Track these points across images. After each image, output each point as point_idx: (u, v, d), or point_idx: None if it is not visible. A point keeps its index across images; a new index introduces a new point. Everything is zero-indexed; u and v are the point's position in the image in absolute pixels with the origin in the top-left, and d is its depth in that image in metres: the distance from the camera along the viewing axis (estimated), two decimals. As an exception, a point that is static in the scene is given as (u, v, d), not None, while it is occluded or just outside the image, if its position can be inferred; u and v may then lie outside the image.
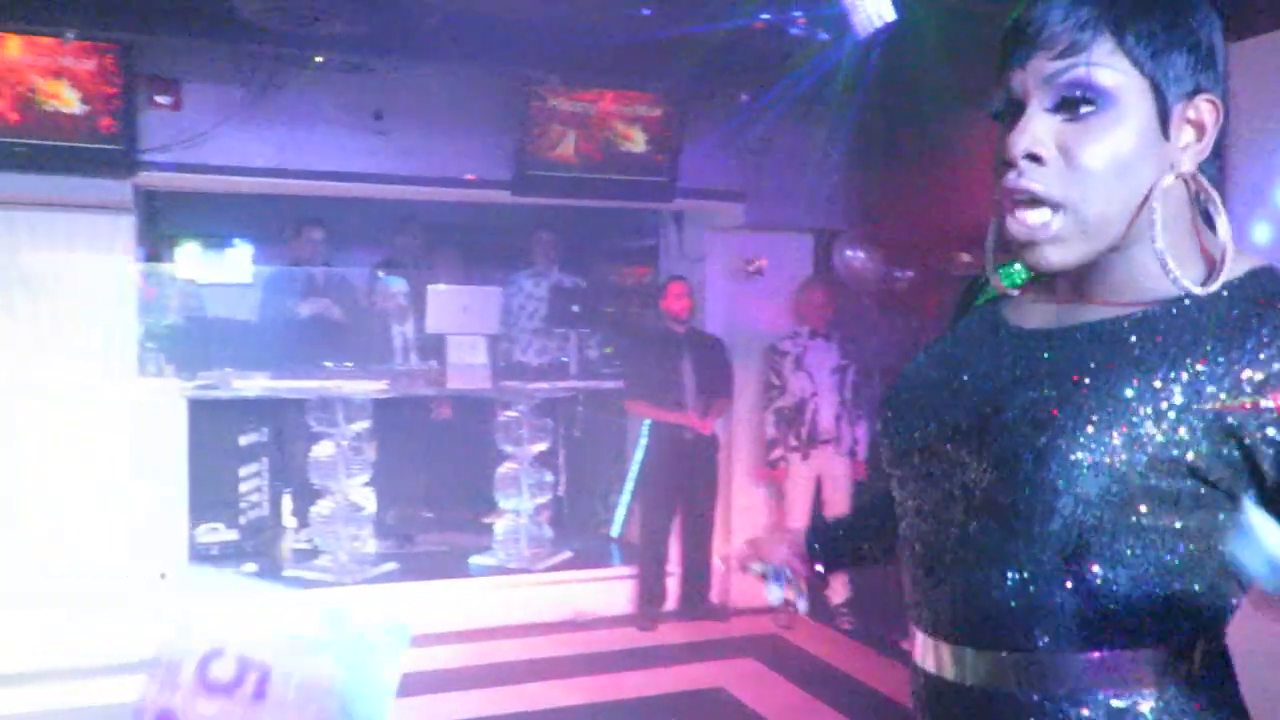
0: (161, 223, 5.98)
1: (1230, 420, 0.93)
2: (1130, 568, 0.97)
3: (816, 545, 1.51)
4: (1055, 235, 0.96)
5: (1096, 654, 0.98)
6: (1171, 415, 0.94)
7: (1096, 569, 0.97)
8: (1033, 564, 0.99)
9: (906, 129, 5.33)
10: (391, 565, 5.59)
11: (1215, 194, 1.00)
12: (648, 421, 5.52)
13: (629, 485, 6.12)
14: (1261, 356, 0.92)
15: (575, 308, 6.07)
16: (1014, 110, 0.97)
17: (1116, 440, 0.94)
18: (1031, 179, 0.96)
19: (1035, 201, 0.96)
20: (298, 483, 6.06)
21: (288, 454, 6.01)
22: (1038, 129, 0.96)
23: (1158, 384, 0.95)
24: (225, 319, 6.14)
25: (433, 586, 5.35)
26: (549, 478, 5.85)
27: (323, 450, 5.53)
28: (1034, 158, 0.96)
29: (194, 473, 5.16)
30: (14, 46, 4.21)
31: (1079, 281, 1.05)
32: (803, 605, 1.52)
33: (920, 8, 3.97)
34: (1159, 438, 0.94)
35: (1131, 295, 1.02)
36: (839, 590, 5.40)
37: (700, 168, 5.47)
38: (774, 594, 1.50)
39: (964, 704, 1.06)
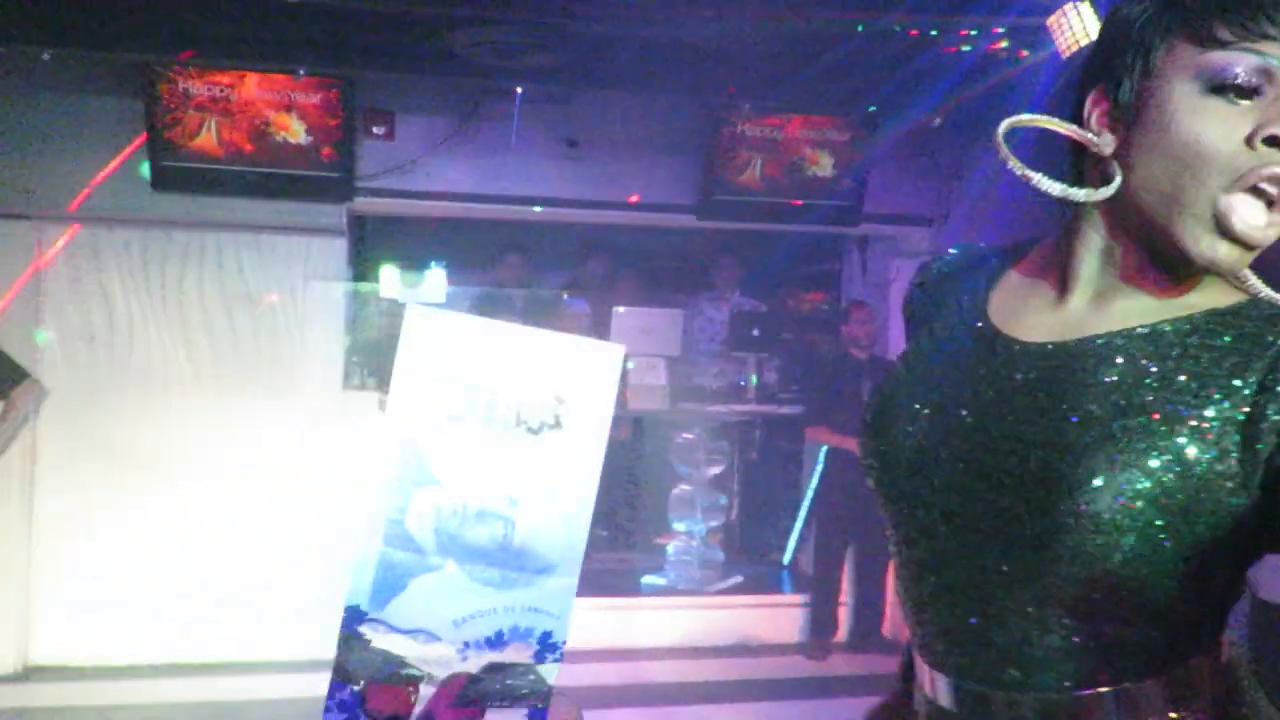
0: (370, 247, 6.38)
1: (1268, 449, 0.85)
2: (1141, 597, 0.90)
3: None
4: (1267, 242, 0.89)
5: (1108, 689, 0.92)
6: (1227, 435, 0.86)
7: (1110, 602, 0.90)
8: (1047, 601, 0.92)
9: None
10: (568, 580, 5.72)
11: None
12: (825, 448, 5.47)
13: (803, 512, 6.08)
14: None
15: (755, 331, 6.10)
16: (1265, 84, 0.86)
17: (1159, 466, 0.86)
18: None
19: (1275, 201, 0.87)
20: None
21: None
22: None
23: (1208, 408, 0.87)
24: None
25: (604, 603, 5.45)
26: (723, 501, 5.88)
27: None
28: None
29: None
30: (251, 84, 4.61)
31: (1123, 285, 0.96)
32: None
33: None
34: (1200, 468, 0.86)
35: (1175, 305, 0.94)
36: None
37: (888, 192, 5.41)
38: None
39: None
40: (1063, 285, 1.00)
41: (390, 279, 6.58)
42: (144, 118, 4.58)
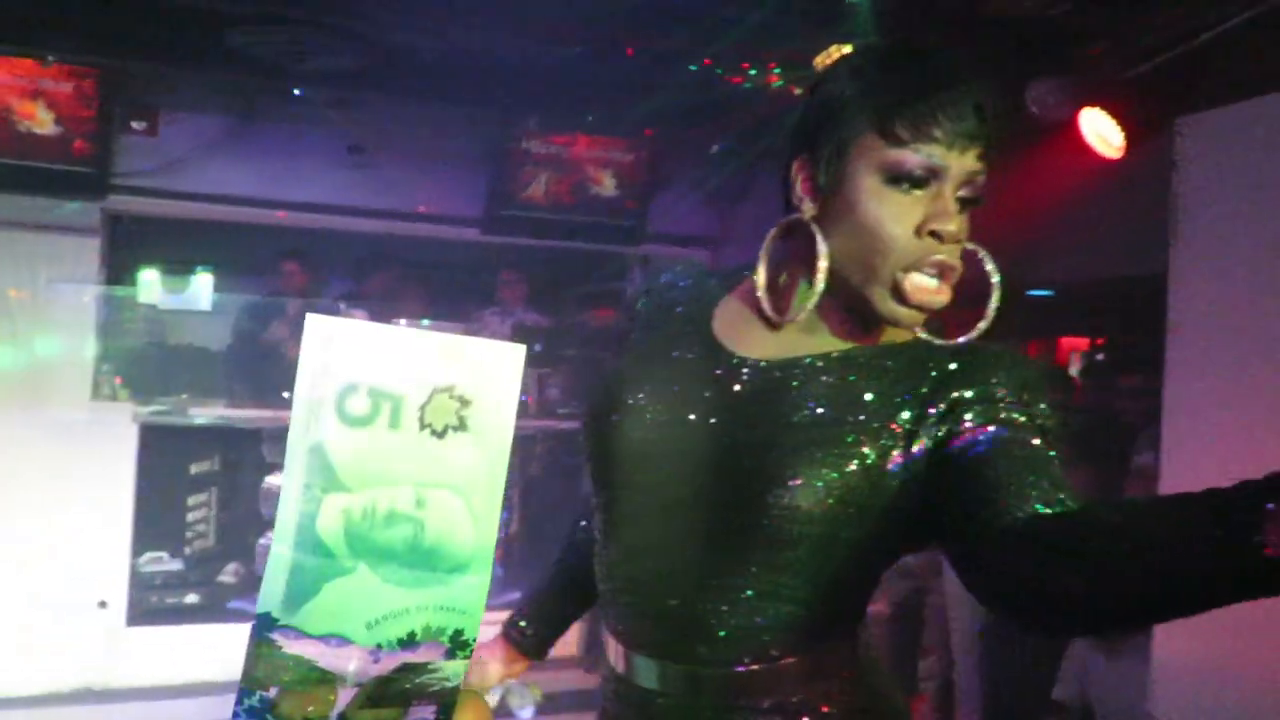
0: (126, 248, 5.93)
1: (937, 445, 1.04)
2: (817, 581, 1.07)
3: (530, 631, 1.48)
4: (940, 305, 1.07)
5: (769, 664, 1.08)
6: (898, 443, 1.05)
7: (793, 586, 1.07)
8: (743, 584, 1.07)
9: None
10: (341, 600, 5.52)
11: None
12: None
13: (584, 527, 6.12)
14: (951, 391, 1.05)
15: (538, 347, 6.12)
16: (930, 178, 1.05)
17: (849, 468, 1.04)
18: (952, 257, 1.06)
19: (947, 273, 1.06)
20: (243, 515, 5.98)
21: (236, 485, 5.93)
22: (955, 206, 1.06)
23: (884, 420, 1.06)
24: (185, 346, 6.08)
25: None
26: (504, 515, 5.84)
27: (274, 481, 5.48)
28: (957, 238, 1.06)
29: (141, 500, 5.08)
30: (-9, 66, 4.20)
31: (826, 316, 1.14)
32: (529, 714, 1.48)
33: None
34: (876, 471, 1.05)
35: (865, 336, 1.14)
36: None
37: (670, 213, 5.58)
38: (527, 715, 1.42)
39: (656, 712, 1.13)
40: (779, 312, 1.16)
41: (149, 283, 6.15)
42: None
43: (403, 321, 5.61)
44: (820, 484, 1.03)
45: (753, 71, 4.21)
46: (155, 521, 5.48)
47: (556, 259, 6.56)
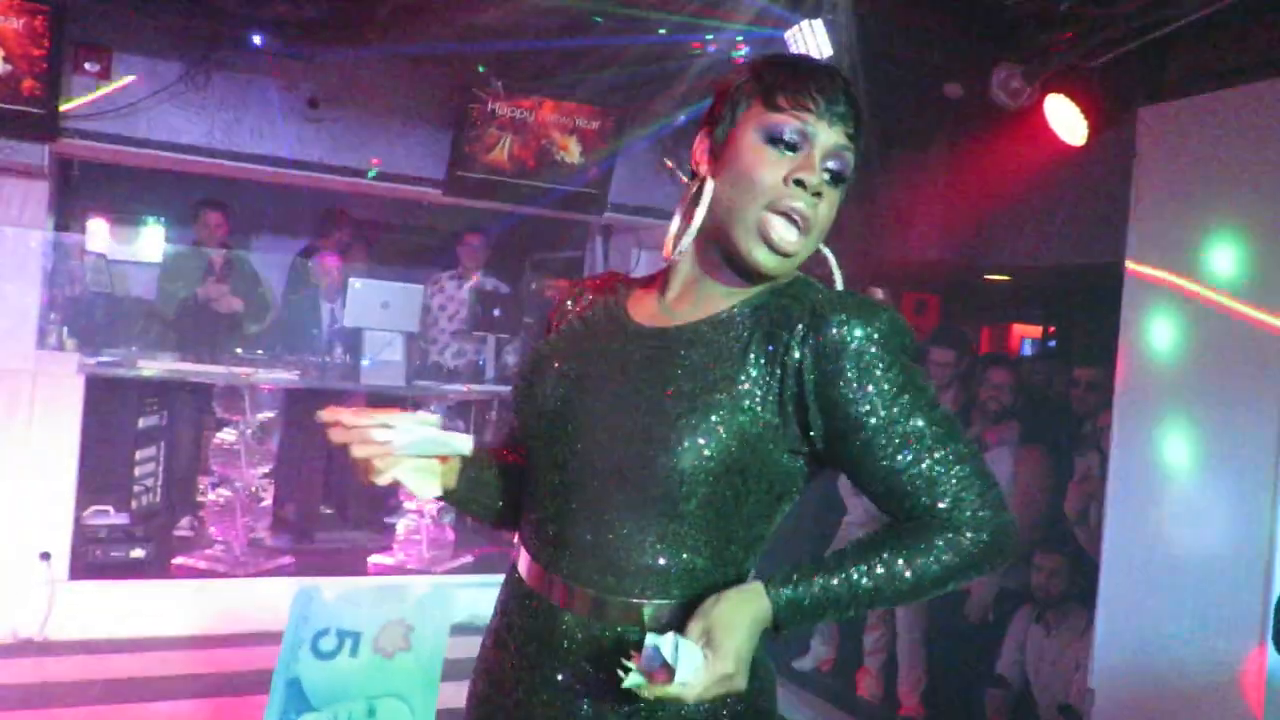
0: (76, 194, 5.79)
1: (807, 389, 1.19)
2: (708, 534, 1.22)
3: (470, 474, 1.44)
4: (794, 252, 1.24)
5: (673, 602, 1.23)
6: (763, 402, 1.20)
7: (688, 536, 1.22)
8: (644, 530, 1.22)
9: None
10: (286, 560, 5.49)
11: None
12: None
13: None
14: (815, 339, 1.20)
15: (496, 312, 6.08)
16: (802, 143, 1.24)
17: (724, 430, 1.18)
18: (811, 207, 1.23)
19: (797, 224, 1.23)
20: (191, 470, 5.91)
21: (185, 439, 5.85)
22: (821, 172, 1.24)
23: (752, 371, 1.21)
24: (134, 298, 5.96)
25: (327, 583, 5.24)
26: (457, 481, 5.82)
27: (225, 437, 5.42)
28: (818, 194, 1.24)
29: (87, 453, 4.99)
30: (-63, -2, 4.05)
31: (714, 278, 1.31)
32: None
33: (854, 47, 4.13)
34: (766, 414, 1.20)
35: (740, 300, 1.29)
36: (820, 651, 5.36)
37: (633, 184, 5.55)
38: None
39: (560, 626, 1.27)
40: (666, 283, 1.35)
41: (98, 231, 6.02)
42: None
43: (358, 283, 5.53)
44: (699, 446, 1.17)
45: (711, 38, 4.18)
46: (101, 475, 5.40)
47: (519, 225, 6.50)
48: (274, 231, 6.79)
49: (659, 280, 1.38)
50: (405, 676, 0.62)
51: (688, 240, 1.29)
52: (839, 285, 1.31)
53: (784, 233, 1.23)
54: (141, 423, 5.81)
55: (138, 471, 5.79)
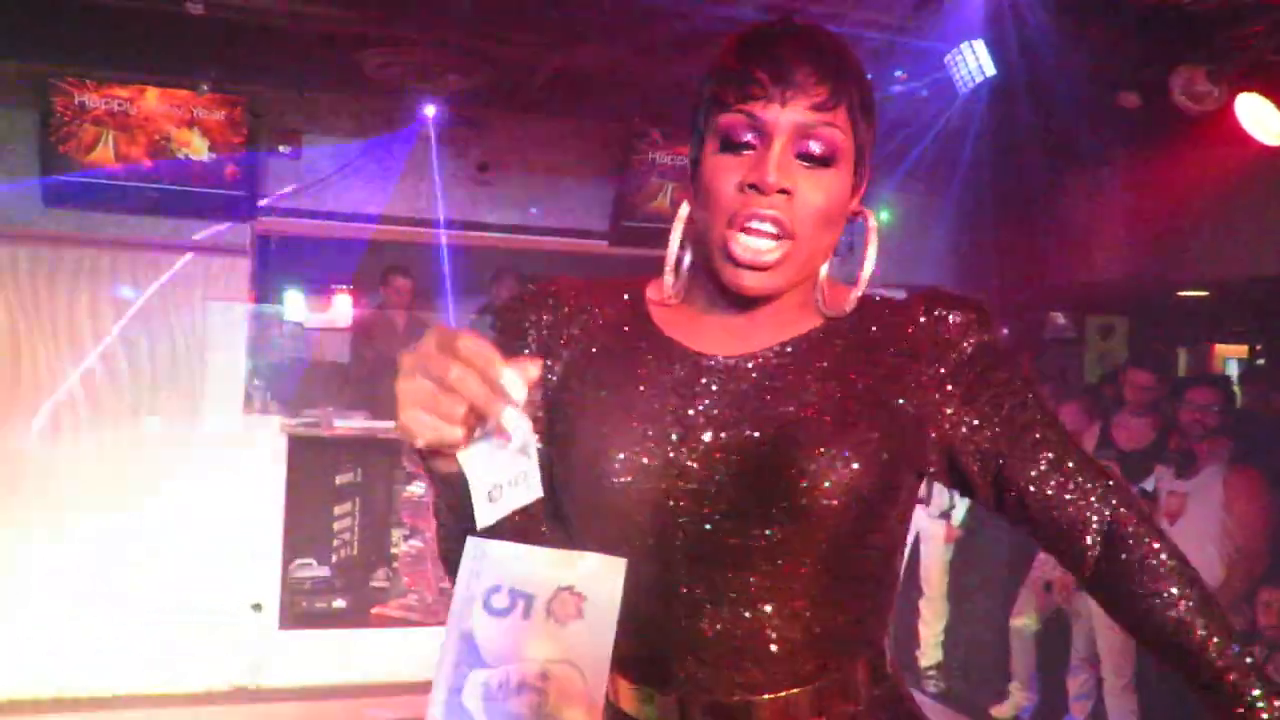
0: (273, 267, 6.24)
1: (915, 414, 1.05)
2: (853, 584, 1.05)
3: None
4: (776, 263, 1.02)
5: (824, 680, 1.05)
6: (880, 419, 1.04)
7: (828, 589, 1.04)
8: (785, 596, 1.02)
9: (1003, 186, 5.33)
10: (478, 608, 5.64)
11: (875, 225, 1.13)
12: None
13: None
14: (938, 367, 1.07)
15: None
16: (757, 138, 1.02)
17: (865, 450, 1.01)
18: (779, 209, 1.01)
19: (771, 233, 1.01)
20: (384, 523, 6.19)
21: (378, 494, 6.15)
22: (790, 170, 1.01)
23: (893, 394, 1.05)
24: (328, 361, 6.35)
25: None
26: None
27: (415, 491, 5.66)
28: (786, 191, 1.01)
29: (290, 509, 5.32)
30: (152, 97, 4.49)
31: (746, 307, 1.09)
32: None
33: (1018, 64, 4.00)
34: (884, 443, 1.03)
35: (792, 324, 1.10)
36: (928, 652, 5.28)
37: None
38: None
39: None
40: (736, 306, 1.09)
41: (294, 301, 6.46)
42: (36, 130, 4.41)
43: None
44: (845, 475, 1.00)
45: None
46: (304, 529, 5.73)
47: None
48: (454, 292, 7.11)
49: (695, 298, 1.13)
50: (579, 645, 0.62)
51: (669, 279, 1.11)
52: (872, 229, 1.11)
53: (749, 245, 1.01)
54: (338, 479, 6.14)
55: (336, 526, 6.12)
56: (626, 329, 1.12)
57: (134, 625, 4.74)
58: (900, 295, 1.11)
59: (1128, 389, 4.30)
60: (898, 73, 4.16)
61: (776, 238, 1.01)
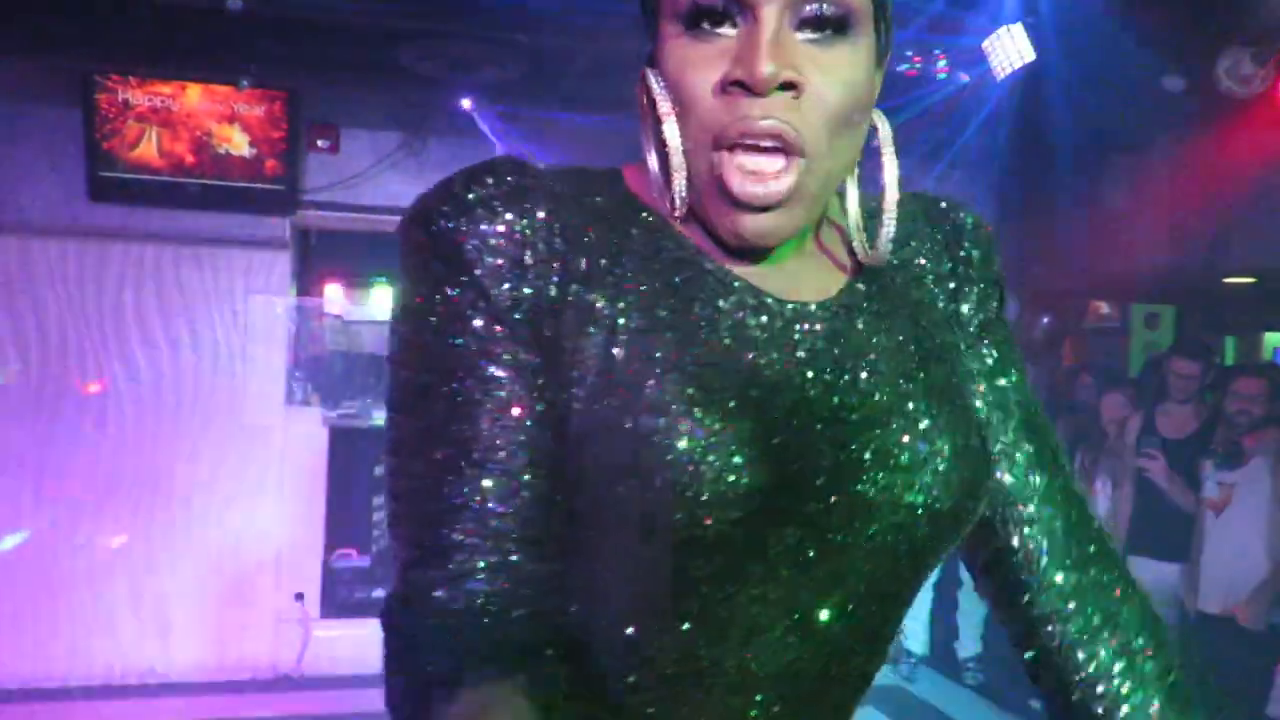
0: (313, 261, 6.31)
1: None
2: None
3: None
4: (787, 194, 0.71)
5: None
6: (971, 379, 0.84)
7: (908, 594, 0.82)
8: (886, 619, 0.79)
9: (1046, 173, 5.26)
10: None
11: (888, 134, 0.79)
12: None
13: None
14: (975, 292, 0.86)
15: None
16: (737, 5, 0.70)
17: (977, 428, 0.81)
18: (783, 116, 0.69)
19: (775, 148, 0.70)
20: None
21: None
22: (791, 51, 0.70)
23: (954, 349, 0.83)
24: (368, 354, 6.41)
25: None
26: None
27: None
28: (791, 86, 0.69)
29: (331, 500, 5.39)
30: (193, 94, 4.56)
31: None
32: None
33: (1060, 50, 3.94)
34: (983, 411, 0.84)
35: (837, 258, 0.82)
36: (968, 643, 5.24)
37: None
38: None
39: None
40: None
41: (334, 294, 6.54)
42: (81, 127, 4.50)
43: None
44: (960, 447, 0.77)
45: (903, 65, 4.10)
46: (345, 520, 5.80)
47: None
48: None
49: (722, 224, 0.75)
50: None
51: (680, 183, 0.73)
52: (886, 140, 0.77)
53: (749, 180, 0.70)
54: (378, 471, 6.21)
55: (376, 517, 6.18)
56: (656, 249, 0.76)
57: (179, 615, 4.83)
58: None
59: (1171, 378, 4.23)
60: (936, 50, 4.11)
61: (784, 153, 0.70)
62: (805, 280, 0.78)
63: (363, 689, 4.94)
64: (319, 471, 5.26)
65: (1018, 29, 3.75)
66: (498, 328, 0.71)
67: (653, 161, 0.74)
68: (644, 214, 0.77)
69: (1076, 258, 5.40)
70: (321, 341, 6.07)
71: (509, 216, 0.72)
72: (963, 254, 0.86)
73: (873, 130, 0.77)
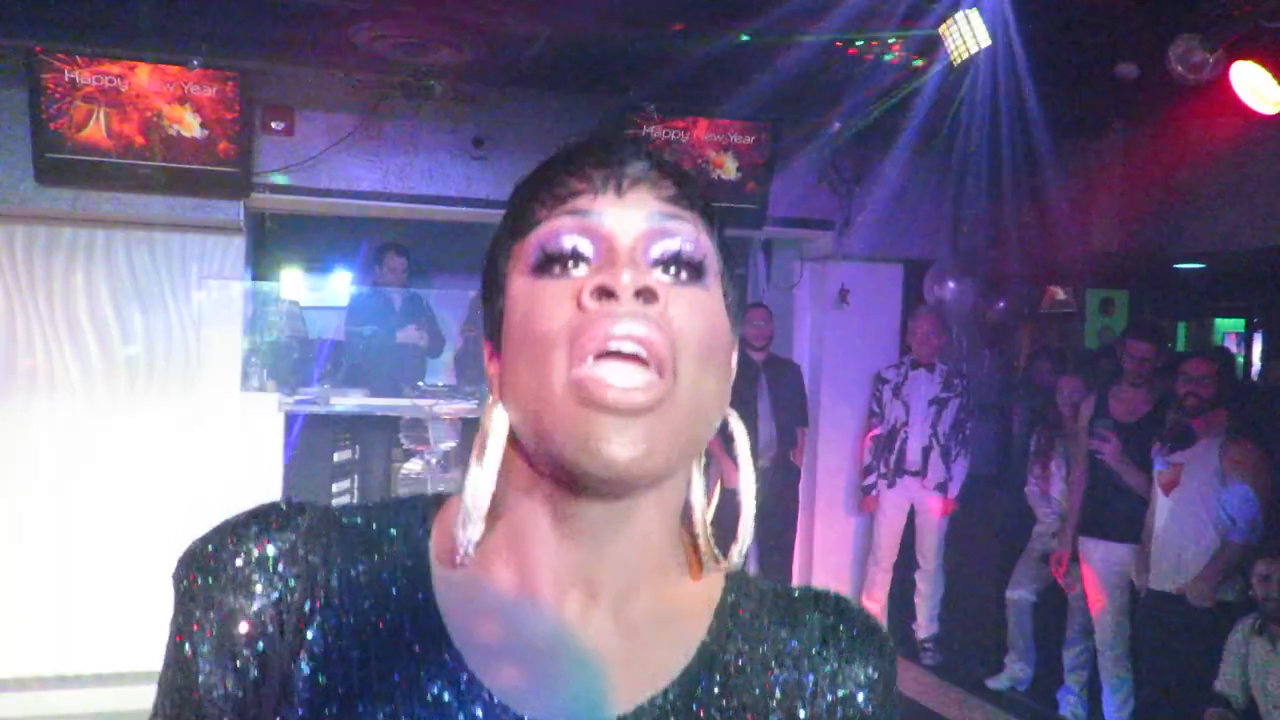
0: (269, 246, 6.23)
1: None
2: None
3: None
4: (654, 404, 0.65)
5: None
6: None
7: None
8: None
9: (1001, 159, 5.30)
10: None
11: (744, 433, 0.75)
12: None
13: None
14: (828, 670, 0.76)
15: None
16: (591, 243, 0.70)
17: None
18: (645, 327, 0.66)
19: (638, 358, 0.66)
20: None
21: (376, 470, 6.16)
22: (649, 272, 0.69)
23: None
24: (325, 339, 6.35)
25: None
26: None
27: (412, 467, 5.68)
28: (650, 293, 0.67)
29: (289, 486, 5.33)
30: (143, 73, 4.46)
31: (590, 555, 0.72)
32: None
33: (1015, 35, 3.97)
34: None
35: (646, 582, 0.73)
36: (924, 624, 5.31)
37: (791, 196, 5.50)
38: None
39: None
40: (567, 563, 0.71)
41: (291, 279, 6.47)
42: (27, 108, 4.40)
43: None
44: None
45: (869, 42, 4.10)
46: (303, 507, 5.74)
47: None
48: (451, 271, 7.08)
49: (503, 567, 0.73)
50: None
51: (471, 529, 0.70)
52: (739, 439, 0.75)
53: (608, 387, 0.65)
54: (336, 457, 6.16)
55: (333, 503, 6.13)
56: (395, 600, 0.72)
57: (133, 601, 4.77)
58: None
59: (1126, 360, 4.30)
60: (890, 39, 4.12)
61: (647, 366, 0.65)
62: (616, 677, 0.70)
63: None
64: (274, 457, 5.21)
65: (974, 14, 3.77)
66: (226, 663, 0.73)
67: (466, 496, 0.71)
68: (414, 586, 0.73)
69: (1032, 242, 5.46)
70: (278, 327, 6.00)
71: (255, 576, 0.74)
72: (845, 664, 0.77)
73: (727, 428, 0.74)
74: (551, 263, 0.70)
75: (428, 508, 0.77)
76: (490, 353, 0.75)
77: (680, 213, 0.72)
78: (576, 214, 0.70)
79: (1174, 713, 3.97)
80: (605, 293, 0.66)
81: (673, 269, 0.70)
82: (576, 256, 0.69)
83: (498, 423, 0.71)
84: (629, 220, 0.70)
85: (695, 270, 0.71)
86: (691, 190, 0.74)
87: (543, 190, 0.72)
